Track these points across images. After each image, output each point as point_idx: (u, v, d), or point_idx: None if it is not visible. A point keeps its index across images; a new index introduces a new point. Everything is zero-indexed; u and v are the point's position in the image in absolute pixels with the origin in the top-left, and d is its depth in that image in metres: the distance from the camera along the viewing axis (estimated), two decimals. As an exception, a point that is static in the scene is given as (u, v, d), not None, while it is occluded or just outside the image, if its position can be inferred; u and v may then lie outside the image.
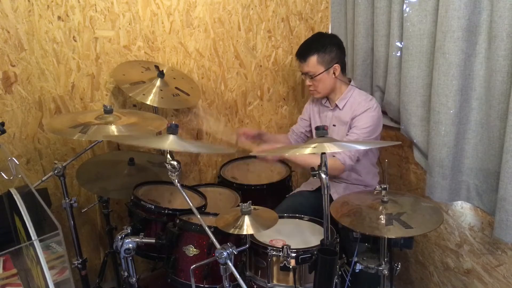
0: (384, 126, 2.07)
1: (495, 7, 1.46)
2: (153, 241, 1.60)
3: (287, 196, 2.18)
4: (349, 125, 1.99)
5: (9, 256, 1.42)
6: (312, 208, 1.95)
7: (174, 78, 2.11)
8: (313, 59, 1.95)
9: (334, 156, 1.92)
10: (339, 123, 2.05)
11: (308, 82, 2.02)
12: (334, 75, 1.98)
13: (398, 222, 1.43)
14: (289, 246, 1.50)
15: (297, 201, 2.07)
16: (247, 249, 1.55)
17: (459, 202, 1.86)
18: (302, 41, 2.48)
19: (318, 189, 2.06)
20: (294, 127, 2.34)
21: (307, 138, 2.32)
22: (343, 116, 2.03)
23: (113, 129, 1.62)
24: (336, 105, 2.04)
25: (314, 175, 1.41)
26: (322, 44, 1.96)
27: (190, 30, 2.22)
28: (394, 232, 1.41)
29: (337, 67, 1.97)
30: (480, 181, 1.70)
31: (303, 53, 1.99)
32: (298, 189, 2.23)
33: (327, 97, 2.10)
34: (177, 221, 1.60)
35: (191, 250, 1.56)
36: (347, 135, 1.97)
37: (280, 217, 1.63)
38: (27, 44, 1.93)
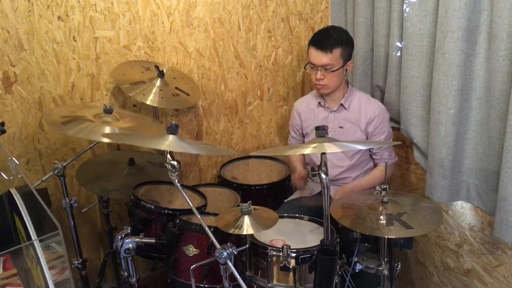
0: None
1: (495, 7, 1.46)
2: (153, 241, 1.60)
3: (285, 201, 2.14)
4: (366, 130, 1.97)
5: (9, 256, 1.42)
6: (312, 212, 1.94)
7: (174, 78, 2.11)
8: (338, 52, 1.85)
9: (375, 159, 2.05)
10: (348, 124, 2.00)
11: (319, 75, 1.90)
12: (346, 71, 1.94)
13: (398, 223, 1.43)
14: (289, 246, 1.50)
15: (295, 206, 2.04)
16: (247, 249, 1.55)
17: (459, 202, 1.86)
18: (302, 41, 2.51)
19: (317, 194, 2.06)
20: (294, 141, 2.23)
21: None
22: (352, 117, 1.99)
23: (108, 130, 1.63)
24: (342, 105, 2.00)
25: (314, 175, 1.41)
26: (344, 38, 1.89)
27: (190, 30, 2.22)
28: (395, 232, 1.41)
29: (350, 64, 1.94)
30: (480, 181, 1.70)
31: (328, 44, 1.85)
32: (296, 195, 2.18)
33: (324, 98, 2.04)
34: (177, 221, 1.60)
35: (191, 250, 1.56)
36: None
37: (280, 217, 1.63)
38: (27, 44, 1.93)
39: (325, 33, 1.91)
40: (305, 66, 1.98)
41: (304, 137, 2.19)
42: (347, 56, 1.91)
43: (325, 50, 1.85)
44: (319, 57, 1.88)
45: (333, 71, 1.89)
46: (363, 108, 1.99)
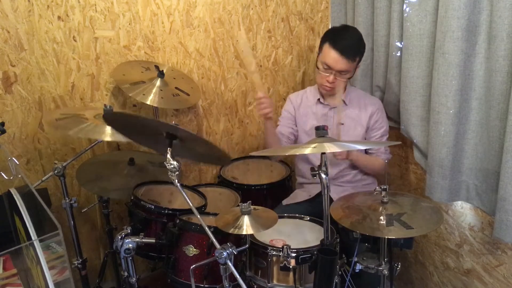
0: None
1: (495, 7, 1.46)
2: (153, 241, 1.60)
3: (283, 203, 2.11)
4: (367, 124, 1.98)
5: (9, 256, 1.42)
6: (310, 215, 1.92)
7: (174, 78, 2.11)
8: (357, 59, 1.88)
9: (371, 154, 2.03)
10: (349, 120, 2.00)
11: (332, 79, 1.88)
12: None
13: (398, 223, 1.43)
14: (289, 246, 1.50)
15: (294, 210, 2.03)
16: (247, 249, 1.55)
17: (459, 202, 1.86)
18: (302, 41, 2.51)
19: (316, 196, 2.05)
20: (283, 130, 2.08)
21: (293, 140, 2.12)
22: (352, 113, 2.00)
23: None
24: (343, 101, 2.00)
25: (314, 175, 1.40)
26: (362, 46, 1.90)
27: (190, 30, 2.22)
28: (395, 233, 1.41)
29: (358, 66, 1.96)
30: (480, 181, 1.70)
31: (352, 52, 1.84)
32: (293, 198, 2.13)
33: (323, 96, 2.03)
34: (177, 221, 1.60)
35: (191, 250, 1.56)
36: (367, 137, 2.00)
37: (280, 217, 1.63)
38: (27, 44, 1.93)
39: (349, 39, 1.87)
40: (317, 64, 1.93)
41: (297, 129, 2.11)
42: (359, 61, 1.93)
43: (350, 58, 1.83)
44: (340, 62, 1.84)
45: (348, 78, 1.91)
46: (363, 103, 2.00)
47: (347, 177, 2.06)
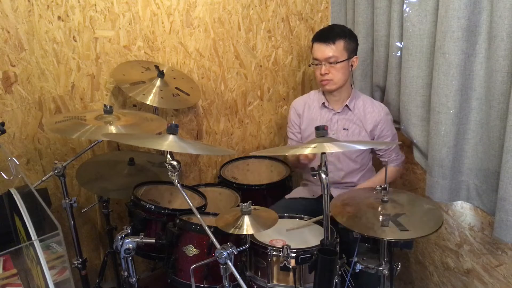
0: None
1: (495, 7, 1.46)
2: (153, 241, 1.60)
3: (286, 197, 2.12)
4: (371, 133, 1.96)
5: (9, 256, 1.42)
6: (312, 213, 1.93)
7: (174, 78, 2.11)
8: (341, 44, 1.86)
9: (385, 164, 1.97)
10: (353, 126, 1.97)
11: (324, 70, 1.88)
12: (351, 67, 1.93)
13: (394, 224, 1.43)
14: (289, 246, 1.50)
15: (296, 205, 2.02)
16: (247, 249, 1.55)
17: (459, 202, 1.86)
18: (302, 41, 2.51)
19: (320, 197, 2.05)
20: (295, 143, 2.13)
21: None
22: (356, 119, 1.97)
23: (112, 129, 1.63)
24: (347, 106, 1.97)
25: (314, 175, 1.40)
26: (347, 32, 1.90)
27: (190, 30, 2.22)
28: (389, 233, 1.40)
29: (355, 59, 1.93)
30: (480, 181, 1.70)
31: (330, 36, 1.86)
32: (297, 193, 2.14)
33: (327, 100, 2.01)
34: (177, 221, 1.60)
35: (191, 250, 1.56)
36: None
37: (280, 217, 1.63)
38: (27, 44, 1.93)
39: (327, 28, 1.97)
40: (310, 64, 1.97)
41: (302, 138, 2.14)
42: (352, 50, 1.90)
43: (328, 42, 1.86)
44: (322, 50, 1.87)
45: (337, 62, 1.87)
46: (368, 111, 1.97)
47: (352, 182, 2.06)
